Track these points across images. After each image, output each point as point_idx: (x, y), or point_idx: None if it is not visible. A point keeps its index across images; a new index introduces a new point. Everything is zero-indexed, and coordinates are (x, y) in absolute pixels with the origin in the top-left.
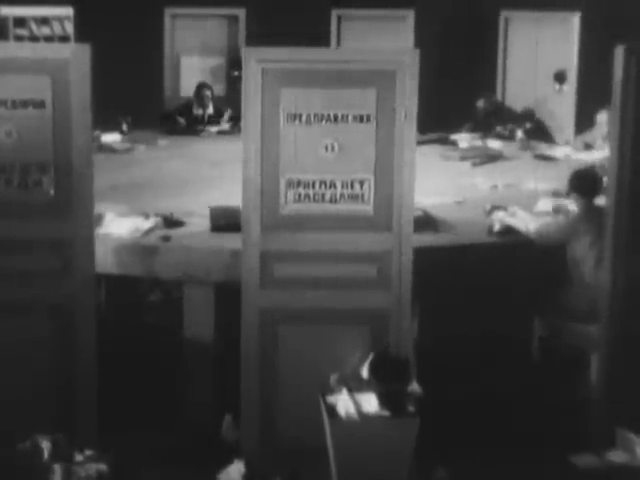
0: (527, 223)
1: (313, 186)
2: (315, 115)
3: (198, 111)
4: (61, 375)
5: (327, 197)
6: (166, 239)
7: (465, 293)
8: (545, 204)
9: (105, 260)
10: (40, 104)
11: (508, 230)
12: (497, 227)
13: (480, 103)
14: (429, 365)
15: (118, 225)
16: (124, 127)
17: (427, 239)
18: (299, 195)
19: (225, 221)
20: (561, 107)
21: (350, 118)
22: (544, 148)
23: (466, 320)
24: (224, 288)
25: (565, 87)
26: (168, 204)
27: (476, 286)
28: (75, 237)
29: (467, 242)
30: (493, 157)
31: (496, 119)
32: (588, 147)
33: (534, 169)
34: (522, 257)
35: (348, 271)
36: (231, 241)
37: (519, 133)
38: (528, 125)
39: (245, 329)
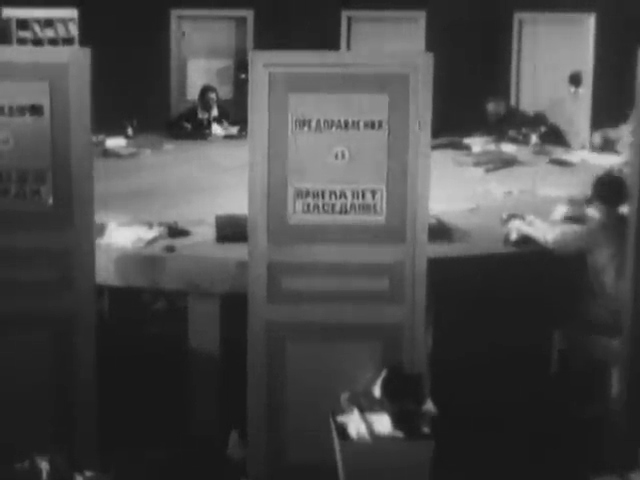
0: (545, 232)
1: (322, 196)
2: (325, 121)
3: (203, 115)
4: (60, 391)
5: (337, 207)
6: (170, 249)
7: (481, 305)
8: (562, 211)
9: (107, 271)
10: (38, 110)
11: (525, 240)
12: (514, 236)
13: (491, 107)
14: (443, 381)
15: (120, 235)
16: (129, 131)
17: (441, 249)
18: (308, 205)
19: (231, 230)
20: (577, 110)
21: (361, 124)
22: (559, 152)
23: (482, 333)
24: (230, 300)
25: (581, 90)
26: (173, 212)
27: (492, 298)
28: (75, 248)
29: (483, 252)
30: (507, 162)
31: (508, 123)
32: (607, 145)
33: (549, 174)
34: (540, 268)
35: (359, 284)
36: (237, 251)
37: (533, 137)
38: (543, 129)
39: (252, 344)
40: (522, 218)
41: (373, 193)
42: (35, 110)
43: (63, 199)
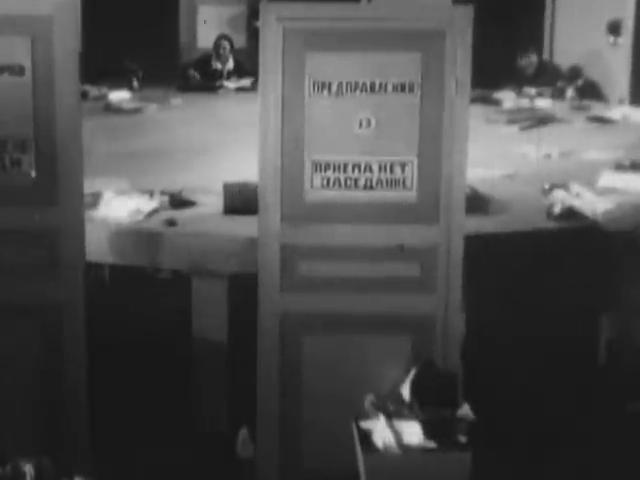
0: (594, 205)
1: (344, 169)
2: (347, 84)
3: (217, 65)
4: (46, 388)
5: (361, 182)
6: (171, 223)
7: (520, 288)
8: (609, 179)
9: (101, 248)
10: (18, 70)
11: (571, 213)
12: (558, 209)
13: (523, 61)
14: (477, 377)
15: (117, 206)
16: (134, 83)
17: (475, 224)
18: (328, 180)
19: (241, 201)
20: (615, 62)
21: (389, 87)
22: (599, 108)
23: (522, 319)
24: (239, 281)
25: (620, 39)
26: (177, 178)
27: (533, 280)
28: (62, 226)
29: (523, 227)
30: (543, 120)
31: (542, 77)
32: None
33: (590, 133)
34: (588, 246)
35: (386, 270)
36: (248, 226)
37: (569, 91)
38: (579, 82)
39: (263, 338)
40: (566, 188)
41: (402, 166)
42: (15, 70)
43: (47, 171)
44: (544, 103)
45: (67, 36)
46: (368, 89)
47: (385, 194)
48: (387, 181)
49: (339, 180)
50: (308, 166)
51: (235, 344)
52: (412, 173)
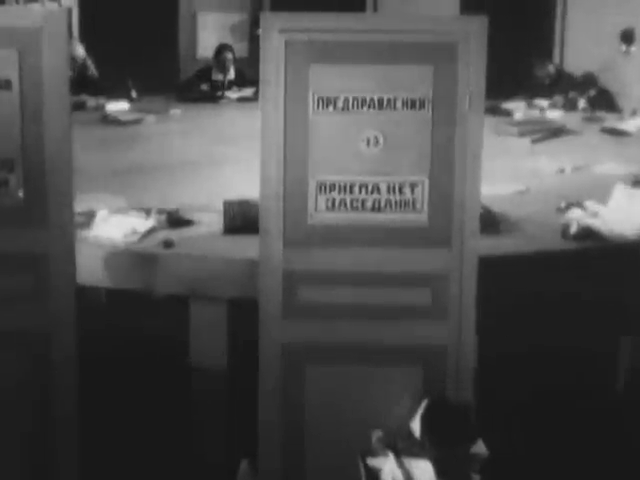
0: (612, 225)
1: (351, 190)
2: (354, 99)
3: (218, 76)
4: (34, 421)
5: (369, 204)
6: (168, 245)
7: (536, 310)
8: (624, 194)
9: (94, 271)
10: (5, 85)
11: (588, 232)
12: (574, 229)
13: (539, 71)
14: (491, 405)
15: (111, 226)
16: (133, 93)
17: (487, 244)
18: (333, 201)
19: (242, 220)
20: (629, 71)
21: (399, 103)
22: (613, 120)
23: (538, 343)
24: (239, 306)
25: (633, 48)
26: (175, 194)
27: (549, 302)
28: (51, 249)
29: (539, 248)
30: (556, 131)
31: (556, 87)
32: None
33: (604, 146)
34: (606, 266)
35: (394, 297)
36: (249, 247)
37: (581, 102)
38: (592, 92)
39: (264, 369)
40: (583, 207)
41: (412, 187)
42: (1, 84)
43: (36, 191)
44: (555, 114)
45: (56, 49)
46: (376, 105)
47: (394, 217)
48: (396, 203)
49: (345, 202)
50: (312, 187)
51: (235, 372)
52: (423, 194)
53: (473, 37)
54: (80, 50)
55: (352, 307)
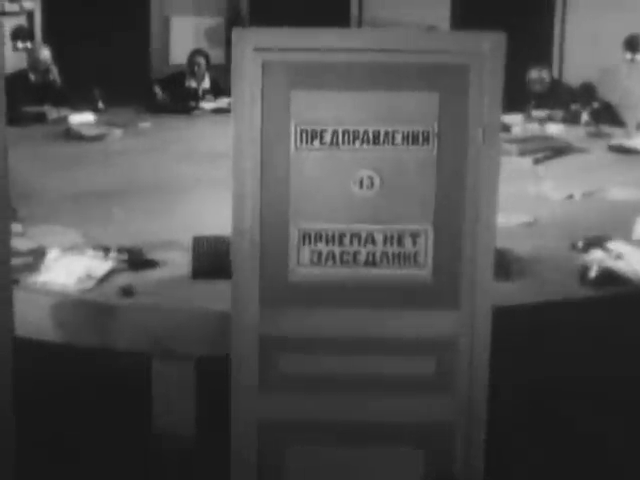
0: (637, 265)
1: (341, 241)
2: (344, 133)
3: (191, 83)
4: None
5: (362, 257)
6: (128, 293)
7: (553, 366)
8: None
9: (41, 323)
10: None
11: (609, 276)
12: (594, 273)
13: (533, 75)
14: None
15: (63, 269)
16: (99, 104)
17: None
18: (319, 254)
19: (211, 264)
20: (633, 81)
21: (398, 138)
22: (619, 136)
23: (557, 402)
24: (209, 365)
25: (638, 56)
26: (139, 226)
27: (569, 358)
28: None
29: (555, 297)
30: (560, 150)
31: (552, 100)
32: None
33: (613, 167)
34: (632, 315)
35: (392, 367)
36: (220, 295)
37: (584, 116)
38: (595, 105)
39: (236, 449)
40: (604, 247)
41: (414, 237)
42: None
43: None
44: (556, 129)
45: None
46: (371, 140)
47: (392, 272)
48: (394, 256)
49: (333, 254)
50: (294, 237)
51: (204, 442)
52: (426, 246)
53: (487, 58)
54: (46, 53)
55: (341, 379)
